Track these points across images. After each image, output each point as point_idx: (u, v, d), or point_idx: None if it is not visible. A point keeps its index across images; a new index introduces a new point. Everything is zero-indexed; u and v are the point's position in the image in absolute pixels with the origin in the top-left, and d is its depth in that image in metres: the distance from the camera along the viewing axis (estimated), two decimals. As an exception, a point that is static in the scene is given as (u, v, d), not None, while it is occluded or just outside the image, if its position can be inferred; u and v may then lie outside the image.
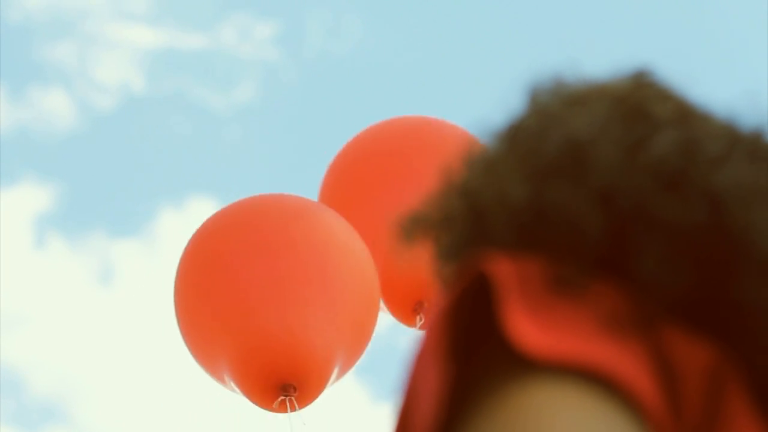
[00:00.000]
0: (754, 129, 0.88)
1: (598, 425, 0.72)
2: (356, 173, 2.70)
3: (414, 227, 0.91)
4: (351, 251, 2.30)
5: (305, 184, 9.96)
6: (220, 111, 9.87)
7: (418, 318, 2.47)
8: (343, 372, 2.20)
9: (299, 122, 9.98)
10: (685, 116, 0.88)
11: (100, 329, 9.12)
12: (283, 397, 1.98)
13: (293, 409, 1.99)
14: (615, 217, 0.82)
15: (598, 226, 0.82)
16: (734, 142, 0.86)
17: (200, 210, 9.34)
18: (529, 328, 0.76)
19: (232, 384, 2.18)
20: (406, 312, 2.45)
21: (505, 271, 0.79)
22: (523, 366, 0.75)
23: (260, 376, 2.02)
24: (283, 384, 2.02)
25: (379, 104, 9.99)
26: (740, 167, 0.84)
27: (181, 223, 9.46)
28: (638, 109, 0.87)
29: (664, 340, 0.79)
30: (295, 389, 1.97)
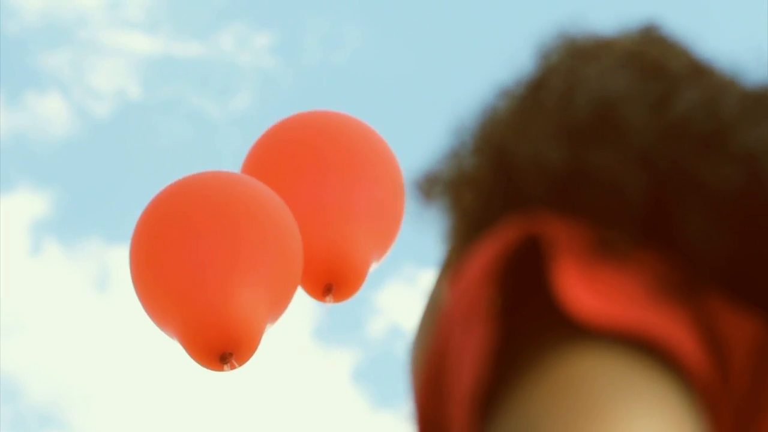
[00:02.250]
0: (760, 84, 0.85)
1: (649, 394, 0.71)
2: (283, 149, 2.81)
3: (431, 187, 0.88)
4: (274, 223, 2.57)
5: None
6: (217, 118, 9.87)
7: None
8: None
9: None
10: (698, 72, 0.85)
11: (97, 335, 9.11)
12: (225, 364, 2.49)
13: (233, 368, 2.48)
14: (655, 180, 0.79)
15: (640, 190, 0.79)
16: (749, 100, 0.83)
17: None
18: (581, 291, 0.74)
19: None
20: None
21: (557, 231, 0.77)
22: (574, 330, 0.74)
23: (202, 348, 2.47)
24: (221, 353, 2.48)
25: (377, 113, 9.99)
26: (765, 126, 0.81)
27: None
28: (656, 65, 0.85)
29: (709, 311, 0.77)
30: (231, 355, 2.42)
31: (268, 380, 8.81)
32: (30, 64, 9.72)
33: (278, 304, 2.45)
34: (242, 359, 2.43)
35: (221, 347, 2.37)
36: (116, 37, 9.88)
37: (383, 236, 2.69)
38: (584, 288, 0.74)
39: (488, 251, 0.78)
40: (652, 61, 0.85)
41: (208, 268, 2.42)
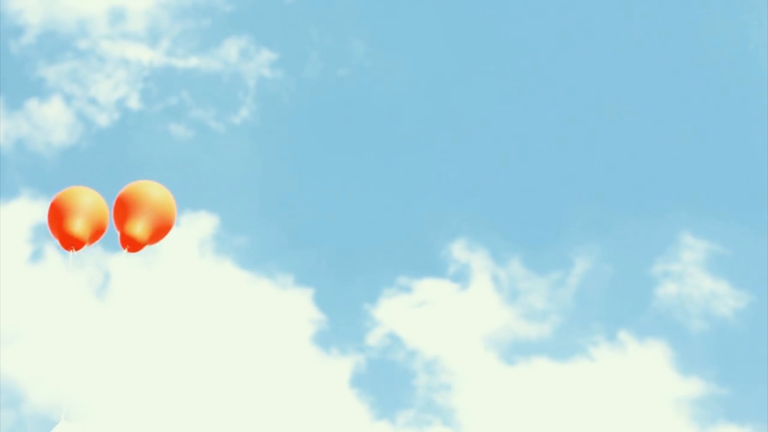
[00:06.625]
0: None
1: None
2: None
3: None
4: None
5: (305, 201, 10.00)
6: (217, 130, 9.93)
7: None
8: None
9: (298, 142, 10.04)
10: None
11: (98, 342, 9.16)
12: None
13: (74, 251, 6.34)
14: None
15: None
16: None
17: (197, 225, 9.39)
18: None
19: None
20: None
21: None
22: None
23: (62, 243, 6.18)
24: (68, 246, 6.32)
25: (378, 126, 10.06)
26: None
27: (178, 237, 9.51)
28: None
29: None
30: (73, 248, 6.37)
31: (270, 386, 8.85)
32: (32, 73, 9.79)
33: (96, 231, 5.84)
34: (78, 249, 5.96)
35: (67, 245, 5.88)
36: (118, 48, 9.95)
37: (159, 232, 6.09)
38: None
39: None
40: None
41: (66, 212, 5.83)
